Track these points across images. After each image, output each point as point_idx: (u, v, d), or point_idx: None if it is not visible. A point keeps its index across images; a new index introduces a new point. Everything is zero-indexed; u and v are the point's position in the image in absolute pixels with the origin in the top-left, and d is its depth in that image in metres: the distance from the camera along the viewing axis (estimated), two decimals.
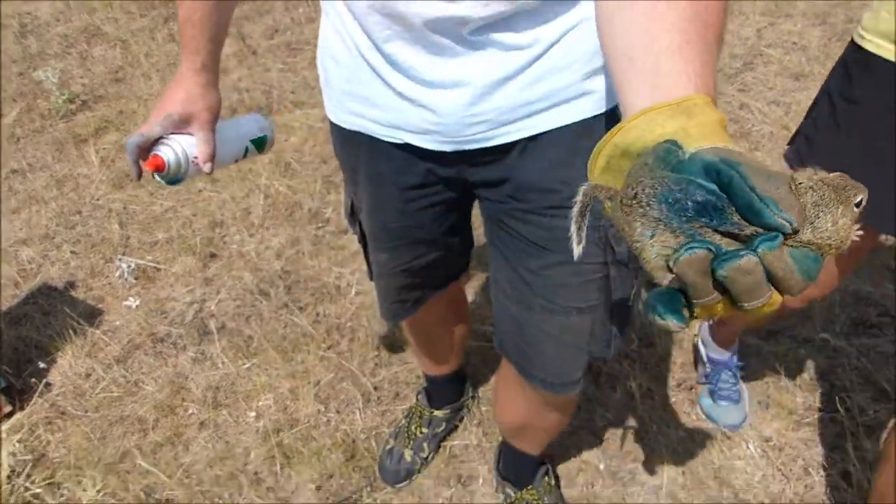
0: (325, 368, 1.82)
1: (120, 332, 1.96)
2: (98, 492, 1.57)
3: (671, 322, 0.41)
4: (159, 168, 0.94)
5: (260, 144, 1.07)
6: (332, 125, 1.02)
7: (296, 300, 2.00)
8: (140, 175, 0.96)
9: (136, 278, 2.12)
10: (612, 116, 0.87)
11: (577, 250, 0.49)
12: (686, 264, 0.39)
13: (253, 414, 1.73)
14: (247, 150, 1.05)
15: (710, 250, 0.39)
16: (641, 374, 1.74)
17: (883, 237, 1.69)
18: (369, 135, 0.95)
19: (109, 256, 2.20)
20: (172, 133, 0.95)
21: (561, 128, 0.85)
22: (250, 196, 2.40)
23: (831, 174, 0.43)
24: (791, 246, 0.40)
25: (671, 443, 1.60)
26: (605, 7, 0.57)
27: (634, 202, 0.41)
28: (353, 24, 0.86)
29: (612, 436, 1.62)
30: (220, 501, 1.55)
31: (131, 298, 2.05)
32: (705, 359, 1.66)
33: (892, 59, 0.96)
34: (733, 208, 0.40)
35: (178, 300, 2.04)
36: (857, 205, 0.42)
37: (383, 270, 1.16)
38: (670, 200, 0.41)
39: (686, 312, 0.41)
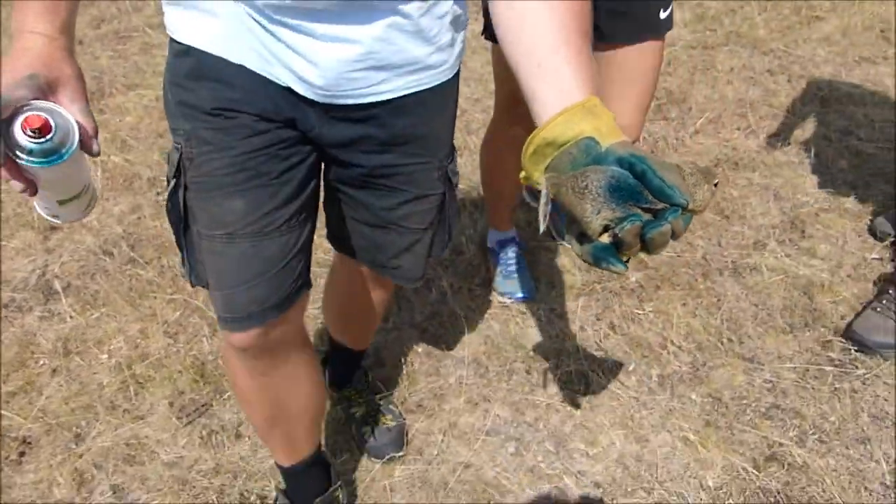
0: (172, 309, 1.98)
1: None
2: None
3: (619, 268, 0.60)
4: (44, 130, 0.73)
5: (93, 195, 0.93)
6: (183, 48, 0.94)
7: (141, 255, 2.14)
8: None
9: None
10: (456, 80, 1.04)
11: (542, 226, 0.65)
12: (628, 231, 0.58)
13: (105, 356, 1.86)
14: (87, 187, 0.89)
15: (641, 221, 0.59)
16: (453, 277, 2.04)
17: None
18: (241, 64, 0.93)
19: None
20: (37, 100, 0.76)
21: (431, 88, 0.99)
22: None
23: (702, 166, 0.65)
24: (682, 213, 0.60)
25: (476, 324, 1.90)
26: (510, 18, 0.73)
27: (586, 191, 0.60)
28: None
29: (430, 326, 1.91)
30: (78, 429, 1.69)
31: None
32: (492, 244, 1.98)
33: None
34: (647, 191, 0.59)
35: (20, 270, 2.12)
36: (715, 184, 0.63)
37: (238, 227, 0.99)
38: (610, 189, 0.59)
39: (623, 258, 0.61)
